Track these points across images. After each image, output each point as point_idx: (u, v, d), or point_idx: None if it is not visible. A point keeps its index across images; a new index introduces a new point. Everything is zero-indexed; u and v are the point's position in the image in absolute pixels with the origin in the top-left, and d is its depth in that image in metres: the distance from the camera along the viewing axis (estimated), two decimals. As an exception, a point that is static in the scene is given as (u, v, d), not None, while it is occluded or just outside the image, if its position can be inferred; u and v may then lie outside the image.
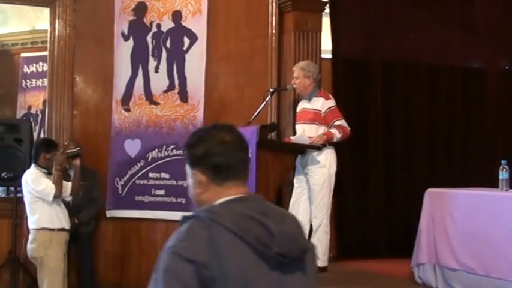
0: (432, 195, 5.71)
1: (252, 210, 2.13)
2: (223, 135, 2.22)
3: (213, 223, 2.08)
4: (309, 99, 6.26)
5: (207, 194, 2.23)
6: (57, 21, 7.31)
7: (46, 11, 7.50)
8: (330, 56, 7.47)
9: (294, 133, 6.29)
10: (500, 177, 5.26)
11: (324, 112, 6.13)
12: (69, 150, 6.26)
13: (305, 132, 6.15)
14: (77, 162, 6.29)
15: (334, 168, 6.14)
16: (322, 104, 6.15)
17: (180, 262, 2.05)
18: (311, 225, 6.14)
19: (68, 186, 6.18)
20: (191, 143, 2.26)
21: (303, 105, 6.34)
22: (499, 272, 4.93)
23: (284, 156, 5.83)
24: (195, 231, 2.09)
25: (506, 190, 5.20)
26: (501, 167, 5.25)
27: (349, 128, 6.13)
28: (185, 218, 2.16)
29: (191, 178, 2.26)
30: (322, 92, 6.31)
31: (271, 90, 6.54)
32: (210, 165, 2.21)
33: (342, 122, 6.13)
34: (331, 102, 6.20)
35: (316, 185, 6.07)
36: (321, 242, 6.11)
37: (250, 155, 2.28)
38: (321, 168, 6.07)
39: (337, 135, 6.05)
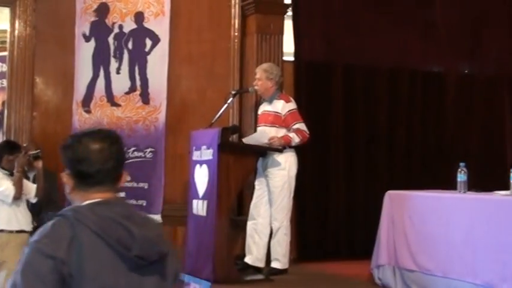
0: (392, 197, 5.76)
1: (115, 213, 2.22)
2: (91, 143, 2.28)
3: (78, 222, 2.16)
4: (270, 101, 6.28)
5: (74, 195, 2.33)
6: (17, 21, 7.22)
7: (6, 11, 7.40)
8: (292, 58, 7.50)
9: (241, 136, 6.30)
10: (459, 179, 5.32)
11: (284, 115, 6.15)
12: (30, 152, 6.21)
13: (265, 134, 6.17)
14: (39, 164, 6.23)
15: (294, 171, 6.16)
16: (282, 106, 6.17)
17: (40, 257, 2.13)
18: (271, 228, 6.16)
19: (32, 187, 6.12)
20: (64, 146, 2.33)
21: (264, 107, 6.36)
22: (457, 273, 4.99)
23: (245, 159, 5.84)
24: (59, 229, 2.18)
25: (464, 192, 5.27)
26: (459, 170, 5.32)
27: (308, 132, 6.15)
28: (54, 215, 2.25)
29: (64, 177, 2.35)
30: (283, 95, 6.33)
31: (233, 92, 6.56)
32: (75, 170, 2.29)
33: (301, 126, 6.14)
34: (292, 105, 6.21)
35: (276, 187, 6.08)
36: (281, 244, 6.13)
37: (121, 162, 2.33)
38: (280, 171, 6.08)
39: (295, 139, 6.06)
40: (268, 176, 6.11)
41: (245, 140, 6.09)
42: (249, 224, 6.20)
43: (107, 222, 2.19)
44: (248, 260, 6.13)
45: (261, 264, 6.13)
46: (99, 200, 2.27)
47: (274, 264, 6.15)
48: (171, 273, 2.33)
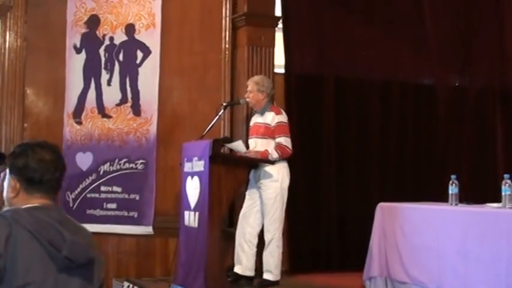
0: (383, 209, 5.77)
1: (51, 217, 2.47)
2: (44, 153, 2.56)
3: (15, 223, 2.40)
4: (262, 113, 6.28)
5: (17, 198, 2.56)
6: (8, 33, 7.20)
7: (-3, 22, 7.40)
8: (283, 70, 7.51)
9: (248, 147, 6.30)
10: (450, 192, 5.33)
11: (273, 126, 6.15)
12: None
13: (257, 146, 6.17)
14: None
15: (286, 183, 6.15)
16: (272, 118, 6.17)
17: None
18: (263, 239, 6.15)
19: None
20: (15, 153, 2.58)
21: (256, 119, 6.36)
22: (449, 285, 5.00)
23: (237, 170, 5.83)
24: None
25: (456, 204, 5.28)
26: (451, 182, 5.33)
27: (290, 148, 6.10)
28: None
29: (7, 182, 2.58)
30: (274, 107, 6.33)
31: (224, 104, 6.56)
32: (25, 176, 2.54)
33: (285, 140, 6.10)
34: (282, 118, 6.20)
35: (268, 199, 6.07)
36: (273, 255, 6.12)
37: (64, 173, 2.61)
38: (273, 183, 6.08)
39: (273, 155, 6.01)
40: (261, 188, 6.11)
41: (228, 146, 6.09)
42: (238, 233, 6.19)
43: (42, 225, 2.43)
44: (238, 270, 6.11)
45: (251, 273, 6.12)
46: (37, 205, 2.53)
47: (267, 276, 6.14)
48: (97, 279, 2.61)
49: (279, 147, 6.08)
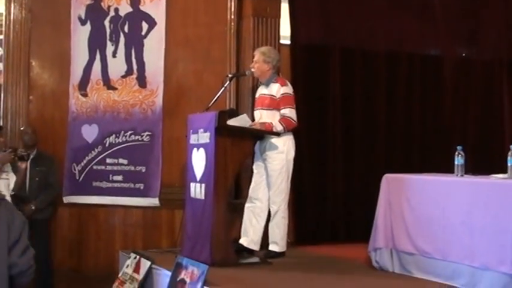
0: (389, 181, 5.76)
1: None
2: None
3: None
4: (267, 84, 6.26)
5: None
6: (12, 4, 7.18)
7: (1, -6, 7.37)
8: (288, 41, 7.47)
9: (253, 119, 6.29)
10: (456, 162, 5.31)
11: (278, 98, 6.14)
12: (19, 153, 6.36)
13: (262, 117, 6.17)
14: (23, 164, 6.38)
15: (292, 154, 6.16)
16: (277, 89, 6.16)
17: None
18: (269, 211, 6.16)
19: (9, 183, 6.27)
20: None
21: (261, 91, 6.34)
22: (455, 256, 4.99)
23: (243, 142, 5.82)
24: None
25: (462, 175, 5.26)
26: (456, 153, 5.31)
27: (295, 120, 6.10)
28: None
29: None
30: (279, 78, 6.30)
31: (229, 75, 6.55)
32: None
33: (290, 112, 6.10)
34: (287, 89, 6.18)
35: (274, 170, 6.08)
36: (279, 227, 6.14)
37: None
38: (278, 154, 6.08)
39: (277, 127, 6.02)
40: (267, 160, 6.11)
41: (230, 122, 6.03)
42: (247, 207, 6.21)
43: None
44: (243, 241, 6.13)
45: (255, 247, 6.13)
46: None
47: (272, 247, 6.16)
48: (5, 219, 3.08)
49: (283, 119, 6.07)
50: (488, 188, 4.84)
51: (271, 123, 6.05)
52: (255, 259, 5.94)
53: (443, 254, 5.10)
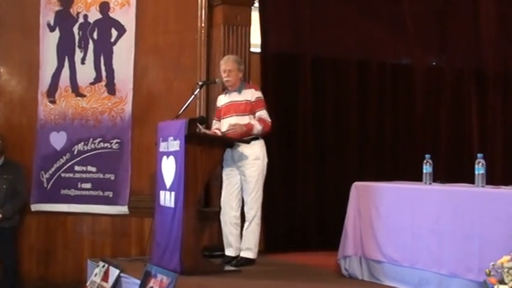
0: (358, 189, 5.78)
1: None
2: None
3: None
4: (239, 91, 6.27)
5: None
6: (-20, 10, 7.13)
7: (-31, 0, 7.30)
8: (259, 50, 7.47)
9: (208, 127, 6.29)
10: (424, 171, 5.35)
11: (253, 101, 6.18)
12: None
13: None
14: None
15: (266, 160, 6.22)
16: (252, 94, 6.23)
17: None
18: (244, 218, 6.18)
19: None
20: None
21: (232, 98, 6.32)
22: (423, 263, 5.02)
23: (213, 150, 5.80)
24: None
25: (430, 184, 5.30)
26: (425, 161, 5.34)
27: (270, 121, 6.19)
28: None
29: None
30: (251, 85, 6.39)
31: (200, 83, 6.54)
32: None
33: (264, 114, 6.20)
34: (260, 93, 6.31)
35: (252, 177, 6.10)
36: (254, 233, 6.17)
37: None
38: (256, 161, 6.12)
39: (257, 127, 6.09)
40: (244, 166, 6.11)
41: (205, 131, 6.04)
42: (223, 220, 6.23)
43: None
44: (230, 252, 6.23)
45: (238, 252, 6.20)
46: None
47: (246, 254, 6.15)
48: None
49: (261, 120, 6.12)
50: (455, 196, 4.87)
51: (250, 123, 6.08)
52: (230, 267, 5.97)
53: (412, 261, 5.12)
